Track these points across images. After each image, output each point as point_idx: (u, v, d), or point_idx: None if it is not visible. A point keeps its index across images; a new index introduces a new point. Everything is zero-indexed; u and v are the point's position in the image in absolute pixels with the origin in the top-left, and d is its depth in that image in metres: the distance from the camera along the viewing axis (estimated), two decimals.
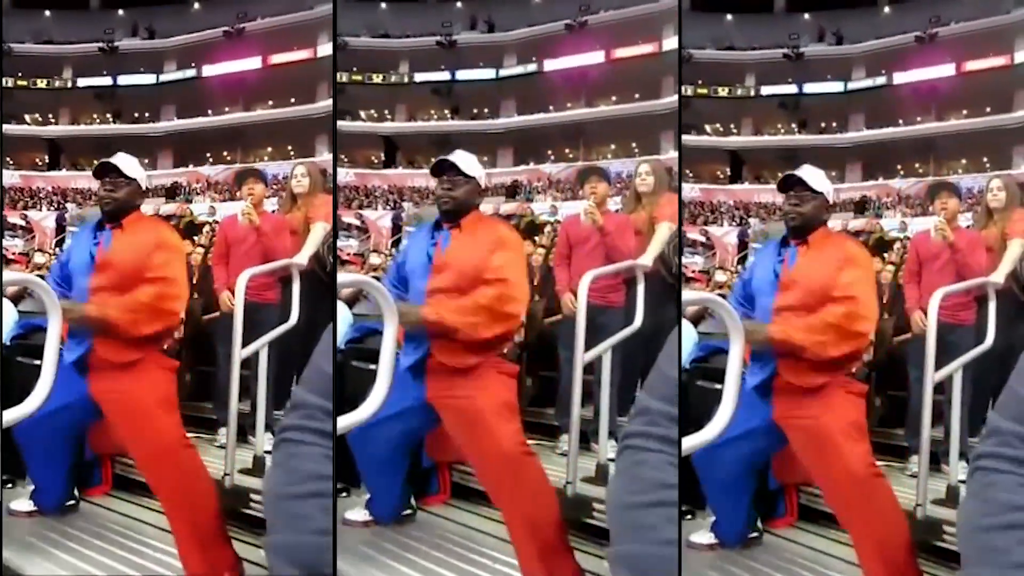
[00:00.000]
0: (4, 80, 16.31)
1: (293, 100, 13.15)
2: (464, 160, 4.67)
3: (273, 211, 6.27)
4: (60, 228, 12.91)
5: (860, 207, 12.70)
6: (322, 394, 3.57)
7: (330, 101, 14.70)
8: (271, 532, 3.60)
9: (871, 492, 4.43)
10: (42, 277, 4.00)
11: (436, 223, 4.73)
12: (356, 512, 5.05)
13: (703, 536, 4.92)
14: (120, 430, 4.66)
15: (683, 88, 11.92)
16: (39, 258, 8.57)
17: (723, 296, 5.70)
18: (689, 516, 5.11)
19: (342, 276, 6.72)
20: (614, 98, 12.39)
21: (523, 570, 4.50)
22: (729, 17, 13.41)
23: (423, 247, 4.69)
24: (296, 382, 4.51)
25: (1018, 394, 2.66)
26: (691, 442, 3.39)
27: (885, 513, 4.44)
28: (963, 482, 4.37)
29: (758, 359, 4.52)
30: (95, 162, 4.89)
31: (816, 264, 4.55)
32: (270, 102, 14.05)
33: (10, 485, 5.26)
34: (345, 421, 3.23)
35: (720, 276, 8.62)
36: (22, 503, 5.03)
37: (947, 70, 13.37)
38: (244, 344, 5.18)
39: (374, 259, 7.76)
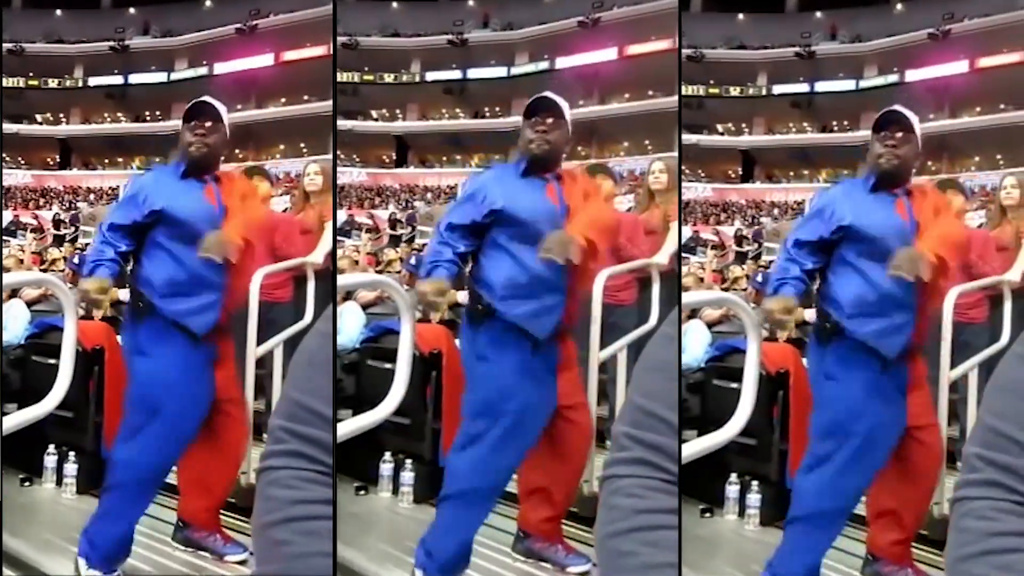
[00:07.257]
0: (16, 81, 16.36)
1: (307, 97, 13.13)
2: (563, 102, 4.49)
3: (285, 210, 6.24)
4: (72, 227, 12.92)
5: None
6: (313, 393, 2.95)
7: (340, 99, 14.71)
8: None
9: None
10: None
11: (525, 170, 4.49)
12: None
13: None
14: None
15: (695, 88, 11.88)
16: (51, 255, 8.58)
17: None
18: (708, 514, 5.08)
19: (360, 276, 6.69)
20: (627, 95, 12.35)
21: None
22: (741, 16, 13.39)
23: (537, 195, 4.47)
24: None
25: (984, 422, 2.63)
26: (693, 448, 3.25)
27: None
28: None
29: None
30: (187, 108, 4.47)
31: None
32: (283, 100, 14.02)
33: (28, 483, 5.25)
34: (354, 424, 3.08)
35: (733, 273, 8.58)
36: None
37: (960, 67, 13.30)
38: (258, 343, 5.14)
39: (389, 254, 7.73)
